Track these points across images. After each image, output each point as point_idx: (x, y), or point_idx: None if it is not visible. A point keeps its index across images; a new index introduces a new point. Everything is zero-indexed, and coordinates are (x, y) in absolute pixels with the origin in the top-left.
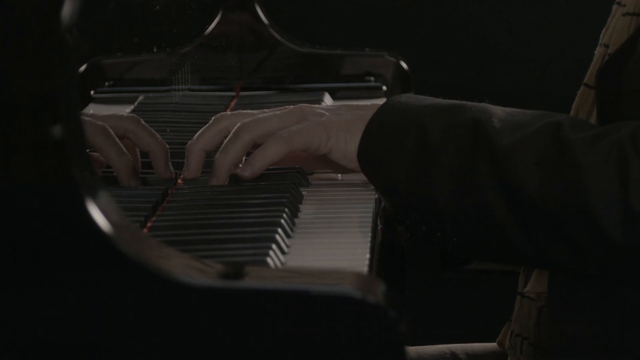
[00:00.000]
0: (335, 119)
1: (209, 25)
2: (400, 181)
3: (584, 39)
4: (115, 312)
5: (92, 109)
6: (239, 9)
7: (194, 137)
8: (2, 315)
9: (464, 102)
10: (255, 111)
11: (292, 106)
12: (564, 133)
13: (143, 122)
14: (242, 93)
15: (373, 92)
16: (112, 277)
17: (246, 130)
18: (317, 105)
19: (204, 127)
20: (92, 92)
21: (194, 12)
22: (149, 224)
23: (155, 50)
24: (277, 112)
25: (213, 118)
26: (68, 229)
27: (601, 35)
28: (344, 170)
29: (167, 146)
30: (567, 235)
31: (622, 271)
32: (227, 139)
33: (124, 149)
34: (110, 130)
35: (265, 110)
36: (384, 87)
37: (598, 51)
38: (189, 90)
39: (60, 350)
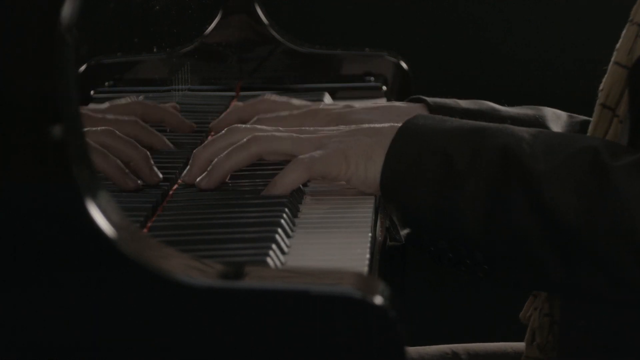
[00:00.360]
0: (354, 145)
1: (209, 25)
2: (425, 209)
3: (584, 39)
4: (115, 312)
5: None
6: (238, 9)
7: (203, 144)
8: (2, 315)
9: (484, 124)
10: (270, 128)
11: (308, 128)
12: (603, 160)
13: (118, 134)
14: (242, 93)
15: (373, 92)
16: (112, 277)
17: (257, 142)
18: (330, 129)
19: (216, 136)
20: (92, 92)
21: (194, 12)
22: (149, 224)
23: (155, 50)
24: (294, 135)
25: (226, 129)
26: (68, 229)
27: (632, 13)
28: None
29: (147, 152)
30: (611, 267)
31: None
32: (235, 145)
33: (108, 153)
34: (92, 143)
35: (280, 128)
36: (384, 87)
37: (629, 30)
38: (189, 90)
39: (60, 350)
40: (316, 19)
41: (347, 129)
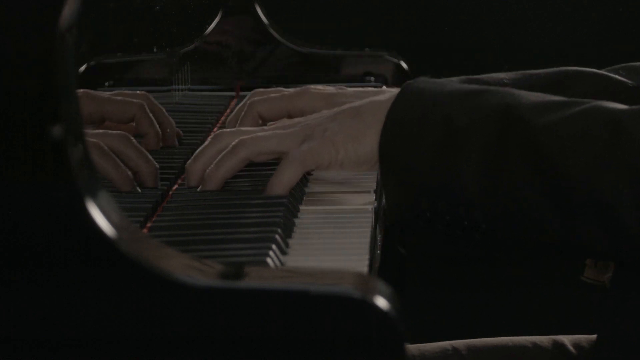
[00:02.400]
0: (339, 129)
1: (209, 25)
2: (425, 169)
3: (584, 38)
4: (115, 312)
5: None
6: (239, 9)
7: (193, 157)
8: (2, 315)
9: (485, 86)
10: (255, 128)
11: (287, 121)
12: (611, 107)
13: (133, 141)
14: (242, 93)
15: None
16: (112, 277)
17: (243, 146)
18: (312, 117)
19: (203, 146)
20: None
21: (194, 12)
22: (149, 224)
23: (155, 50)
24: (277, 132)
25: (212, 136)
26: (68, 229)
27: None
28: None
29: (157, 165)
30: (615, 218)
31: None
32: (223, 153)
33: (121, 164)
34: (105, 147)
35: (264, 127)
36: (384, 87)
37: None
38: (189, 90)
39: (61, 350)
40: (316, 19)
41: (328, 114)
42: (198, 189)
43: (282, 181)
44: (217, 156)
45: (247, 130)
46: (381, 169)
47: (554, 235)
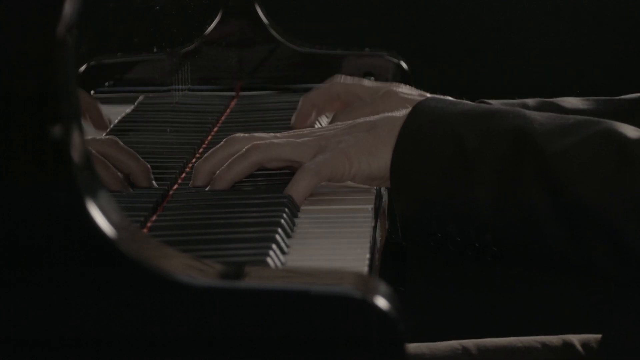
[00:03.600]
0: (354, 142)
1: (209, 25)
2: (436, 190)
3: (584, 38)
4: (115, 312)
5: None
6: (238, 9)
7: (204, 157)
8: (2, 314)
9: (496, 107)
10: (269, 135)
11: (305, 130)
12: (620, 134)
13: (121, 144)
14: (242, 93)
15: None
16: (112, 277)
17: (257, 151)
18: (326, 128)
19: (215, 148)
20: (92, 92)
21: (194, 12)
22: (149, 224)
23: (155, 50)
24: (292, 141)
25: (225, 139)
26: (68, 229)
27: None
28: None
29: (148, 166)
30: (621, 242)
31: None
32: (236, 156)
33: (109, 165)
34: (93, 151)
35: (278, 135)
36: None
37: None
38: (189, 90)
39: (61, 350)
40: (316, 19)
41: (343, 126)
42: (206, 189)
43: (298, 191)
44: (228, 159)
45: (260, 136)
46: (392, 185)
47: (564, 258)
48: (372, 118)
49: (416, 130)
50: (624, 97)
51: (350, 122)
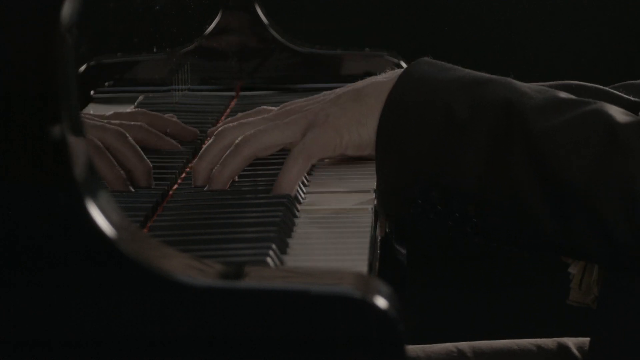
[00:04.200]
0: (342, 114)
1: (209, 25)
2: (422, 156)
3: (584, 38)
4: (115, 312)
5: (92, 109)
6: (238, 9)
7: (198, 156)
8: (2, 315)
9: (488, 75)
10: (257, 119)
11: (292, 106)
12: (613, 119)
13: (129, 139)
14: (242, 93)
15: None
16: (112, 277)
17: (247, 144)
18: (313, 101)
19: (208, 144)
20: (92, 92)
21: (194, 12)
22: (149, 224)
23: (155, 50)
24: (279, 123)
25: (215, 133)
26: (68, 229)
27: None
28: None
29: (150, 166)
30: (606, 226)
31: None
32: (228, 152)
33: (115, 163)
34: (100, 144)
35: (265, 115)
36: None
37: None
38: (189, 90)
39: (60, 349)
40: (316, 19)
41: (329, 97)
42: (205, 189)
43: (290, 178)
44: (223, 153)
45: (249, 123)
46: (377, 152)
47: (549, 236)
48: (357, 84)
49: (404, 97)
50: (565, 83)
51: (336, 90)
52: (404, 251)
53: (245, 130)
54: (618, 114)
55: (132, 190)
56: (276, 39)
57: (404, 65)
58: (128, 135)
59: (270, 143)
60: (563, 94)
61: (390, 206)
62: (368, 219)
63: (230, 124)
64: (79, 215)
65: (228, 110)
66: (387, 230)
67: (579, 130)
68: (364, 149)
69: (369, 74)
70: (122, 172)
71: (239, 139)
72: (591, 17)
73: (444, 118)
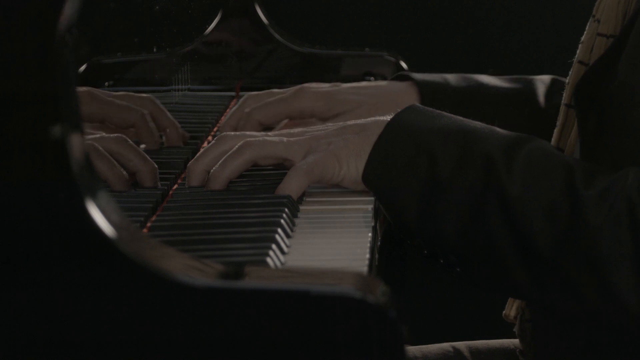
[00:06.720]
0: (343, 144)
1: (209, 25)
2: (409, 209)
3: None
4: (115, 311)
5: None
6: (238, 9)
7: (195, 157)
8: (2, 314)
9: (472, 126)
10: (259, 133)
11: (296, 129)
12: (576, 185)
13: (130, 143)
14: (242, 93)
15: None
16: (112, 277)
17: (250, 148)
18: (317, 129)
19: (207, 147)
20: None
21: (194, 12)
22: (149, 224)
23: (155, 50)
24: (284, 139)
25: (216, 138)
26: (68, 228)
27: (594, 8)
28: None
29: (155, 165)
30: (578, 292)
31: (633, 328)
32: (229, 153)
33: (115, 163)
34: (101, 148)
35: (269, 133)
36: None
37: (576, 69)
38: (189, 90)
39: (60, 349)
40: (316, 19)
41: (334, 128)
42: (204, 189)
43: (290, 190)
44: (220, 157)
45: (251, 134)
46: (370, 190)
47: (525, 292)
48: (362, 121)
49: (389, 147)
50: (537, 77)
51: (341, 123)
52: (403, 251)
53: (247, 138)
54: (581, 178)
55: (134, 190)
56: (276, 39)
57: (403, 65)
58: (128, 139)
59: (272, 153)
60: (539, 145)
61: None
62: (368, 219)
63: (232, 132)
64: (78, 215)
65: (228, 111)
66: (387, 230)
67: (548, 201)
68: (359, 184)
69: (369, 74)
70: (123, 172)
71: (243, 142)
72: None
73: (428, 173)
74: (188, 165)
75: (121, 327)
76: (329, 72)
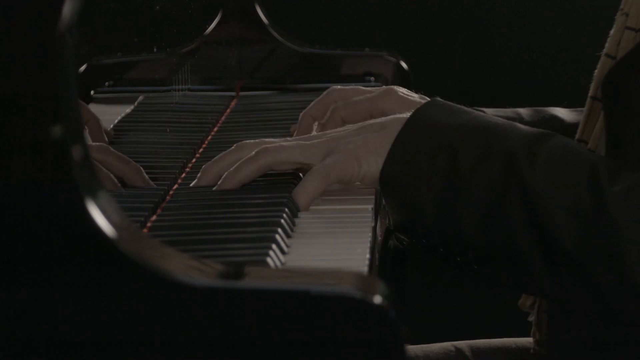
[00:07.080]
0: (362, 143)
1: (209, 25)
2: (428, 206)
3: (584, 39)
4: (115, 311)
5: (92, 109)
6: (239, 9)
7: (213, 160)
8: (2, 314)
9: (494, 122)
10: (278, 139)
11: (314, 134)
12: (601, 181)
13: (112, 150)
14: (242, 93)
15: None
16: (112, 277)
17: (266, 153)
18: (336, 130)
19: (224, 152)
20: (92, 92)
21: (194, 12)
22: (149, 224)
23: (155, 50)
24: (302, 143)
25: (235, 145)
26: (68, 229)
27: (622, 1)
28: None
29: (140, 167)
30: (599, 289)
31: None
32: (245, 158)
33: (100, 166)
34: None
35: (288, 138)
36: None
37: (603, 62)
38: (189, 90)
39: (60, 349)
40: (316, 19)
41: (354, 128)
42: (213, 189)
43: (307, 193)
44: (236, 163)
45: (270, 141)
46: (384, 194)
47: (544, 288)
48: (381, 119)
49: (410, 141)
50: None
51: (360, 123)
52: (403, 251)
53: (266, 145)
54: (606, 175)
55: (123, 189)
56: (276, 39)
57: (403, 65)
58: (110, 147)
59: (289, 158)
60: (561, 142)
61: (401, 236)
62: (368, 219)
63: (251, 140)
64: (79, 215)
65: (228, 111)
66: (387, 230)
67: (572, 197)
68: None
69: (369, 74)
70: (110, 174)
71: (259, 147)
72: (592, 17)
73: (449, 168)
74: (203, 166)
75: (121, 327)
76: (329, 72)
